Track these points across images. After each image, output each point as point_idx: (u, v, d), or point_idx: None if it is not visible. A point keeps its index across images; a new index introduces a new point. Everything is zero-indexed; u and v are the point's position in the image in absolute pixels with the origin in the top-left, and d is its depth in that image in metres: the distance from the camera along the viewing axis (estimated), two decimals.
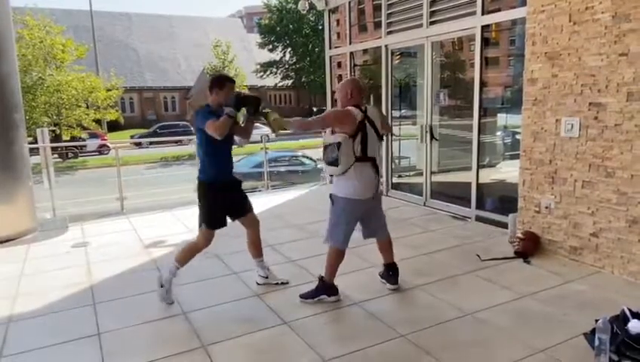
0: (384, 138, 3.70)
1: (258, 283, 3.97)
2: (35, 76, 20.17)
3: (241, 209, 3.81)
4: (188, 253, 3.68)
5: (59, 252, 5.10)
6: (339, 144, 3.35)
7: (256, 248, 3.96)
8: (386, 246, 3.82)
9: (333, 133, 3.45)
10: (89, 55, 24.38)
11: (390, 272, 3.82)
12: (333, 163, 3.39)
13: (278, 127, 3.53)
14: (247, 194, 3.95)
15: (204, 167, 3.64)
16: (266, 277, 3.96)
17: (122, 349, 3.04)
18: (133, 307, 3.64)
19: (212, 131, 3.39)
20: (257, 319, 3.37)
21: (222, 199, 3.65)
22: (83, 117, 21.61)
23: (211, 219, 3.63)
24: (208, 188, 3.63)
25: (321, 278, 3.64)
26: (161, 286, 3.63)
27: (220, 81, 3.62)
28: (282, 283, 3.95)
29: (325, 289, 3.60)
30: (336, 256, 3.61)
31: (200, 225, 3.66)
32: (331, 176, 3.63)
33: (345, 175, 3.42)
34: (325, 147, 3.47)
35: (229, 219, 3.75)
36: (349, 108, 3.44)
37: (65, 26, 22.61)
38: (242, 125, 3.69)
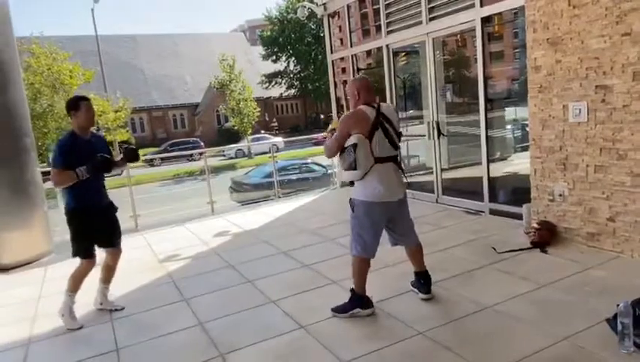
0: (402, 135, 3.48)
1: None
2: (45, 103, 20.49)
3: (111, 237, 3.82)
4: (76, 280, 3.72)
5: None
6: (355, 146, 3.12)
7: (109, 274, 3.96)
8: (416, 253, 3.57)
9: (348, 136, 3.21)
10: (97, 78, 24.72)
11: (422, 281, 3.54)
12: (352, 167, 3.15)
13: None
14: (119, 223, 3.91)
15: (66, 195, 3.59)
16: (101, 304, 3.94)
17: None
18: (151, 320, 3.65)
19: (52, 180, 3.44)
20: (274, 325, 3.35)
21: (89, 225, 3.61)
22: None
23: (80, 248, 3.66)
24: (73, 215, 3.59)
25: (352, 290, 3.41)
26: (62, 316, 3.66)
27: (74, 102, 3.56)
28: (116, 310, 3.89)
29: (358, 301, 3.37)
30: (362, 265, 3.36)
31: (73, 255, 3.67)
32: (351, 183, 3.41)
33: (366, 178, 3.20)
34: (341, 152, 3.25)
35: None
36: (360, 107, 3.24)
37: (71, 52, 22.90)
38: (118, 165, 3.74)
